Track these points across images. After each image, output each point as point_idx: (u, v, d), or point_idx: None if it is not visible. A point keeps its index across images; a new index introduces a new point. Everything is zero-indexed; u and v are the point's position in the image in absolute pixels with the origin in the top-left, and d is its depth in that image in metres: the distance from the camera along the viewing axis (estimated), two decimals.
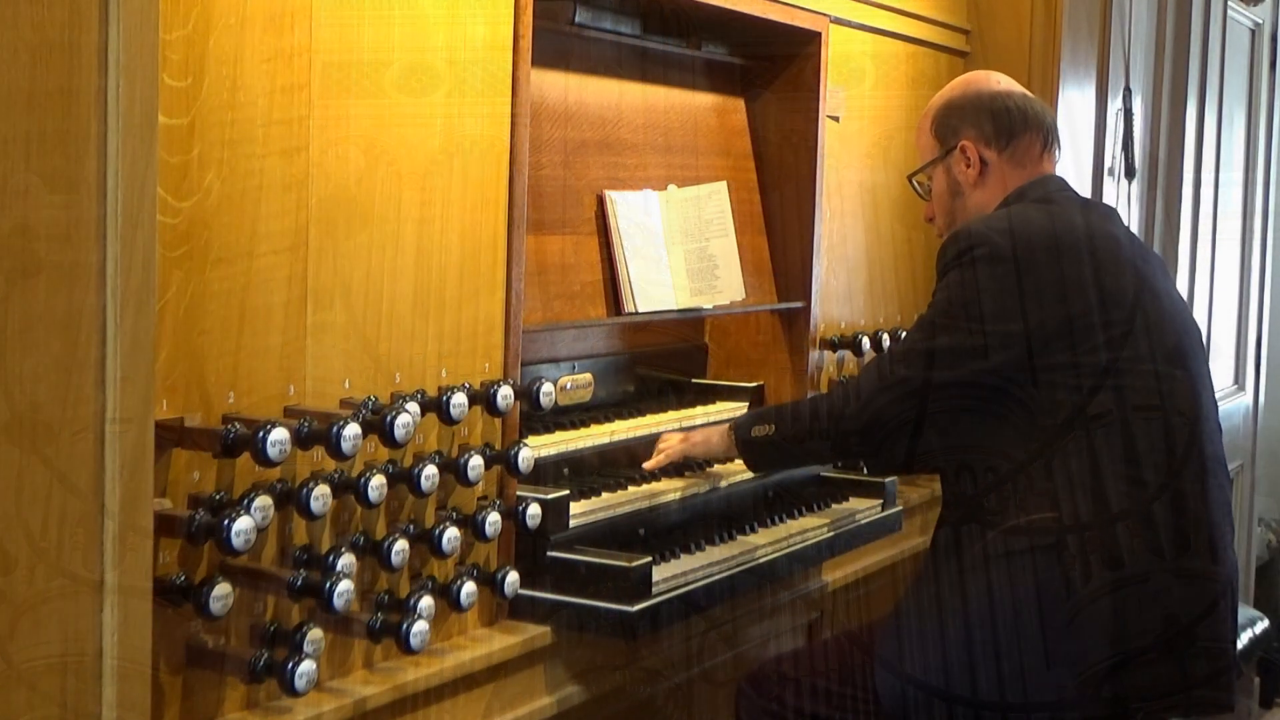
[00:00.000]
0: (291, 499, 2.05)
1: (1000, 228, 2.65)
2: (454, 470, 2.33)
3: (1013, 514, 2.57)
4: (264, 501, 1.94)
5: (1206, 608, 2.61)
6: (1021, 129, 2.84)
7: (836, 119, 3.47)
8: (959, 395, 2.63)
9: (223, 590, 1.92)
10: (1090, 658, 2.51)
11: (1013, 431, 2.60)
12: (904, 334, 3.62)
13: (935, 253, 2.75)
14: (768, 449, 2.89)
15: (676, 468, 2.98)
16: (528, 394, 2.46)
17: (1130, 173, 4.42)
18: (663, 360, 3.39)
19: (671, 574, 2.62)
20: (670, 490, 2.89)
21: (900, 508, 3.41)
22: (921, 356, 2.64)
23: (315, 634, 2.05)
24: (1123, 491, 2.55)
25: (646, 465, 2.95)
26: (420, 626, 2.17)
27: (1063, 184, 2.85)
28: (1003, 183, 2.82)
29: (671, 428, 3.05)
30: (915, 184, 3.00)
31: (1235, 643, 2.71)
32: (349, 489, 2.13)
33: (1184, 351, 2.69)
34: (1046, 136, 2.87)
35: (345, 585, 2.03)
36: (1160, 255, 3.50)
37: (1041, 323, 2.57)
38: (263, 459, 1.94)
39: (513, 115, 2.46)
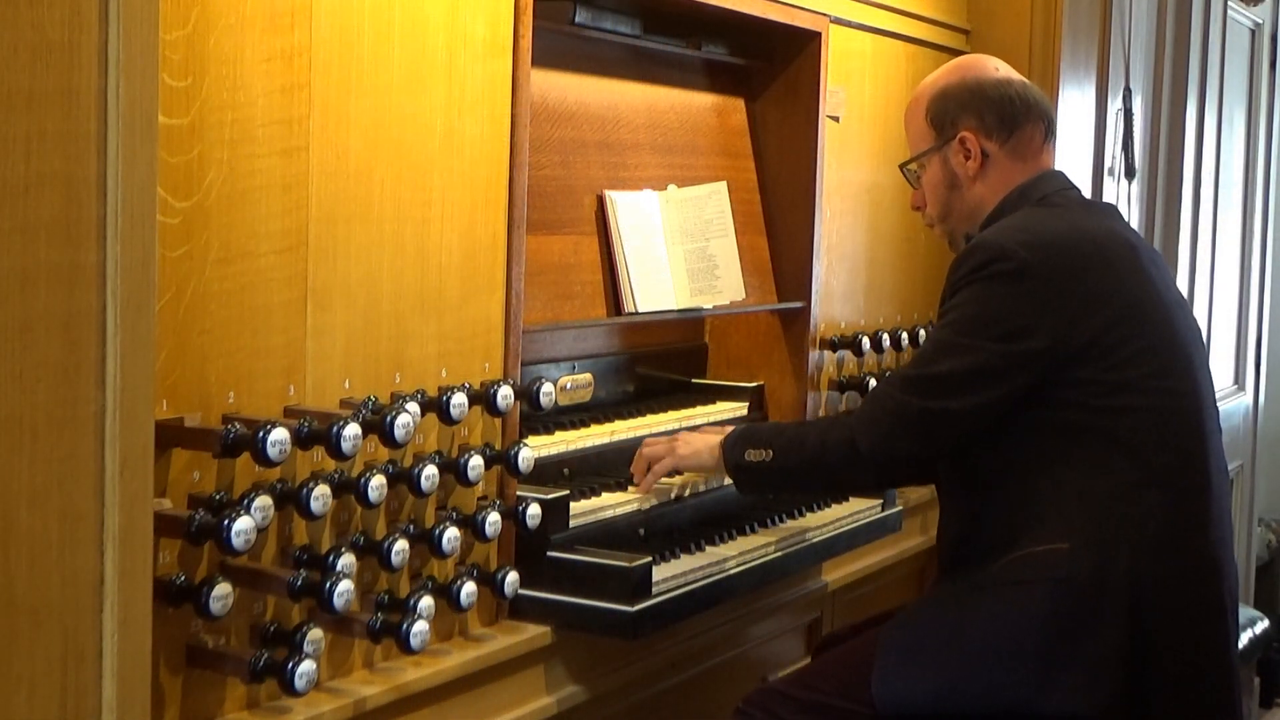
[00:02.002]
0: (291, 499, 2.04)
1: (1022, 240, 2.55)
2: (454, 470, 2.33)
3: (1020, 532, 2.53)
4: (264, 501, 1.94)
5: (1211, 622, 2.59)
6: (1024, 120, 2.75)
7: (836, 119, 3.47)
8: (977, 420, 2.56)
9: (223, 590, 1.92)
10: (1096, 676, 2.48)
11: (1022, 450, 2.56)
12: (922, 339, 3.62)
13: (936, 251, 2.72)
14: (764, 475, 2.75)
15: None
16: (528, 394, 2.46)
17: (1130, 173, 4.42)
18: (663, 360, 3.39)
19: (671, 574, 2.62)
20: (670, 490, 2.89)
21: (900, 508, 3.41)
22: (940, 384, 2.53)
23: (315, 634, 2.05)
24: (1134, 515, 2.50)
25: (639, 489, 2.81)
26: (420, 626, 2.17)
27: (1065, 181, 2.80)
28: (1004, 177, 2.75)
29: (671, 428, 3.05)
30: (906, 172, 2.90)
31: (1236, 650, 2.69)
32: (349, 489, 2.13)
33: (1194, 363, 2.65)
34: (1047, 128, 2.79)
35: (345, 585, 2.03)
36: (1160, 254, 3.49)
37: (1066, 340, 2.51)
38: (263, 459, 1.94)
39: (513, 115, 2.46)
